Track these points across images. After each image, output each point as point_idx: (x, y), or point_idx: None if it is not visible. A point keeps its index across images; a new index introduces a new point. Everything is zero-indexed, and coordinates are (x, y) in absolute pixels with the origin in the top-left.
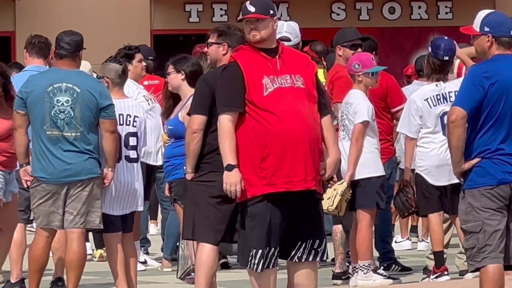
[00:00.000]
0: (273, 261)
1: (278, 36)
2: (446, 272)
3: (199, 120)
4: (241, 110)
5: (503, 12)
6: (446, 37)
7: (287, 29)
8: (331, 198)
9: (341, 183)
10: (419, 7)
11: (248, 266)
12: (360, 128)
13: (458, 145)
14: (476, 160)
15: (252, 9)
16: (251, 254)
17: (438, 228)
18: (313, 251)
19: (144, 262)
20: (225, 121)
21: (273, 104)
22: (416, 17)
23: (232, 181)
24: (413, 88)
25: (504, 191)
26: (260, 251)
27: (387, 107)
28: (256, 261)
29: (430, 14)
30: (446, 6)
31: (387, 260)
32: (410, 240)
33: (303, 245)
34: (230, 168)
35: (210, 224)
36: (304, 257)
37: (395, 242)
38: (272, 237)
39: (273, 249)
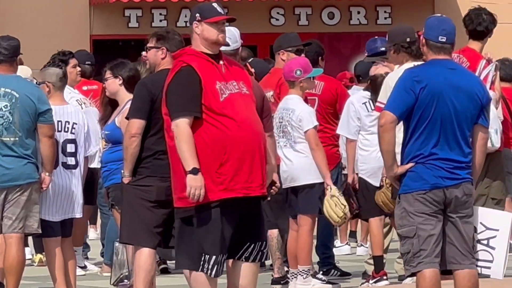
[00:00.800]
0: (222, 265)
1: None
2: (385, 277)
3: (137, 124)
4: (199, 115)
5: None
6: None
7: (227, 34)
8: (338, 204)
9: (343, 206)
10: (358, 12)
11: (200, 270)
12: (314, 132)
13: (389, 149)
14: (410, 165)
15: (222, 11)
16: (203, 259)
17: (379, 232)
18: (260, 252)
19: (84, 267)
20: (183, 125)
21: (230, 109)
22: (355, 22)
23: (198, 185)
24: (353, 93)
25: (438, 196)
26: (214, 257)
27: (335, 112)
28: (210, 267)
29: (369, 19)
30: (385, 11)
31: (327, 265)
32: (349, 245)
33: (252, 246)
34: (196, 171)
35: (146, 228)
36: (252, 258)
37: (334, 247)
38: (224, 243)
39: (222, 254)
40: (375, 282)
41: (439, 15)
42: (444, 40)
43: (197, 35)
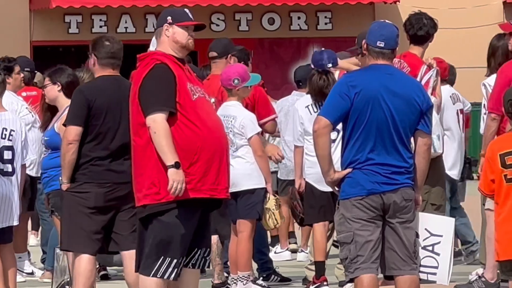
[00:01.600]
0: (181, 268)
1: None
2: (325, 283)
3: (75, 131)
4: (175, 112)
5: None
6: (325, 49)
7: None
8: (271, 217)
9: (276, 222)
10: (299, 18)
11: (153, 274)
12: (258, 139)
13: (323, 154)
14: (347, 170)
15: (192, 17)
16: (165, 262)
17: (322, 238)
18: (203, 259)
19: (32, 273)
20: (161, 119)
21: (201, 110)
22: (295, 28)
23: (180, 179)
24: (293, 98)
25: (375, 201)
26: (175, 260)
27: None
28: (171, 270)
29: (310, 25)
30: (325, 17)
31: (266, 270)
32: (290, 250)
33: (199, 252)
34: (178, 166)
35: (85, 234)
36: (198, 264)
37: (275, 252)
38: (186, 244)
39: (182, 256)
40: (315, 287)
41: (382, 20)
42: (382, 45)
43: (167, 37)
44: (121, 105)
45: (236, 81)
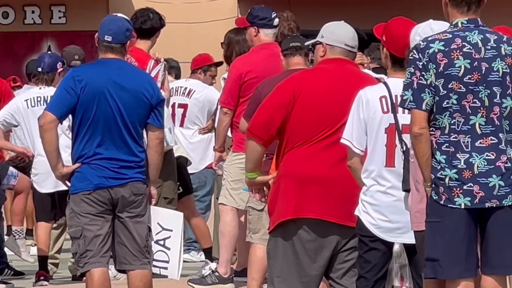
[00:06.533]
0: None
1: None
2: (42, 277)
3: None
4: None
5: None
6: (53, 54)
7: None
8: None
9: None
10: (33, 12)
11: None
12: None
13: (51, 149)
14: (76, 165)
15: None
16: None
17: (44, 235)
18: None
19: None
20: None
21: None
22: (29, 22)
23: None
24: (23, 91)
25: (102, 196)
26: None
27: None
28: None
29: (44, 19)
30: (59, 11)
31: (1, 264)
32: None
33: None
34: None
35: None
36: None
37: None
38: None
39: None
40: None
41: (115, 14)
42: (109, 39)
43: None
44: None
45: None
